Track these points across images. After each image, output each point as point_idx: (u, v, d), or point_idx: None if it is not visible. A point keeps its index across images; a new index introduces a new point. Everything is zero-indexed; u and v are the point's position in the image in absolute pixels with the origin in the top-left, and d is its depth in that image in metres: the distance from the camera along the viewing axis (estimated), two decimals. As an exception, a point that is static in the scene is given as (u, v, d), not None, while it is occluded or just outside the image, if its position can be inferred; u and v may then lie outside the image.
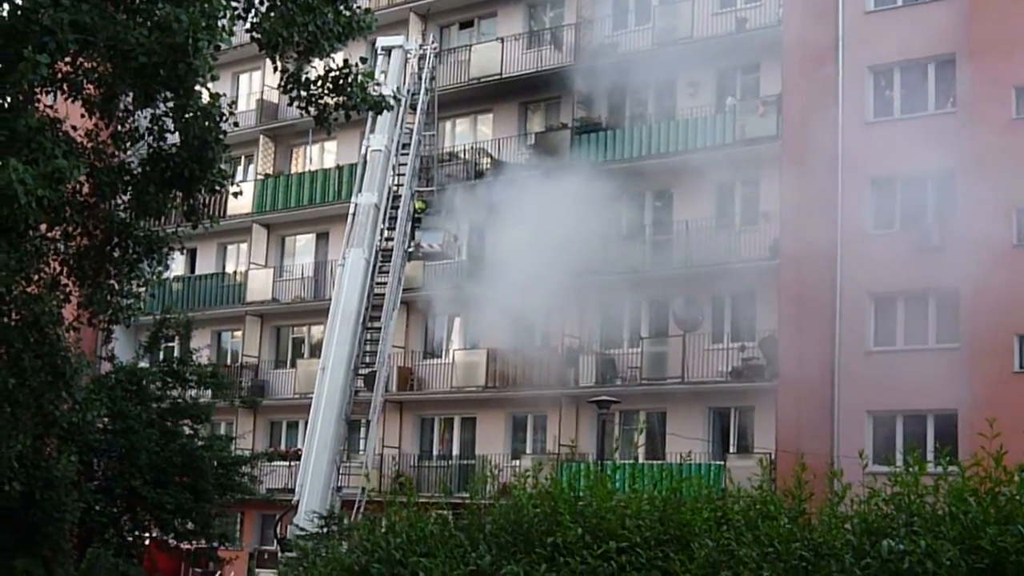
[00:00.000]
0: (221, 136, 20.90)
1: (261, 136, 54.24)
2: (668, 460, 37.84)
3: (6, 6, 18.31)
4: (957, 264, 37.33)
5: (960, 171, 38.09)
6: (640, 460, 33.73)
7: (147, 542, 35.32)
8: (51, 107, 21.31)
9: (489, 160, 47.19)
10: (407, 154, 39.13)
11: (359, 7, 21.29)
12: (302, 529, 31.16)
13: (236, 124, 22.06)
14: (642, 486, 12.55)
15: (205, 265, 56.28)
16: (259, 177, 54.21)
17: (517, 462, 41.89)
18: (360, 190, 37.71)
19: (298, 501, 33.54)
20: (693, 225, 42.07)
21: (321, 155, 54.19)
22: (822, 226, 39.56)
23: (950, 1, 39.56)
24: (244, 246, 55.08)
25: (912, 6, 40.56)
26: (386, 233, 38.05)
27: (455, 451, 47.44)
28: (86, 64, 20.57)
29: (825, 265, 39.52)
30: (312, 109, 21.63)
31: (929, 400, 37.67)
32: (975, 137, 37.70)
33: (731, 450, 40.86)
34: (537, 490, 12.70)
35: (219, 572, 41.01)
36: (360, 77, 21.48)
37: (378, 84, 22.70)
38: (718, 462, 38.66)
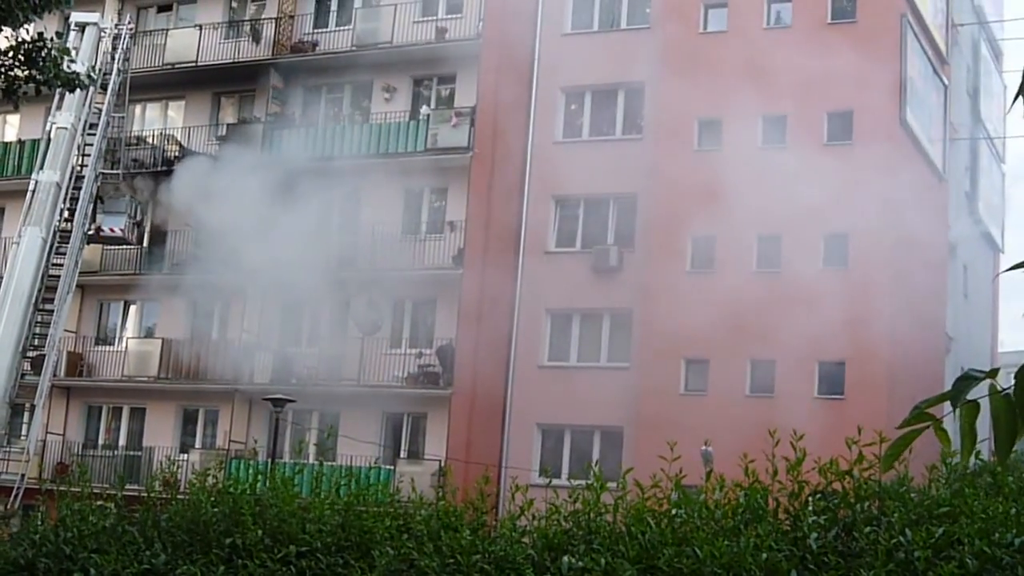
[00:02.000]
0: (-100, 102, 19.96)
1: (-62, 103, 51.97)
2: (340, 463, 37.75)
3: None
4: (632, 286, 38.48)
5: (641, 196, 39.24)
6: (315, 461, 33.73)
7: None
8: None
9: (178, 147, 46.30)
10: (94, 135, 38.19)
11: (57, -21, 20.62)
12: (-44, 514, 30.07)
13: (-83, 90, 21.08)
14: (324, 490, 12.49)
15: None
16: (-68, 146, 51.96)
17: (185, 456, 41.23)
18: (42, 167, 36.62)
19: (-47, 485, 32.36)
20: (379, 229, 42.13)
21: (2, 127, 52.21)
22: (505, 240, 40.21)
23: (643, 31, 40.75)
24: (-89, 217, 52.68)
25: (607, 32, 41.61)
26: (66, 214, 37.04)
27: (121, 441, 46.28)
28: None
29: (505, 278, 40.13)
30: (0, 80, 20.82)
31: (597, 416, 38.62)
32: (658, 164, 38.89)
33: (402, 455, 41.05)
34: (216, 489, 12.50)
35: None
36: (54, 52, 20.79)
37: (72, 61, 22.00)
38: (389, 467, 38.78)
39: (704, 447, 29.45)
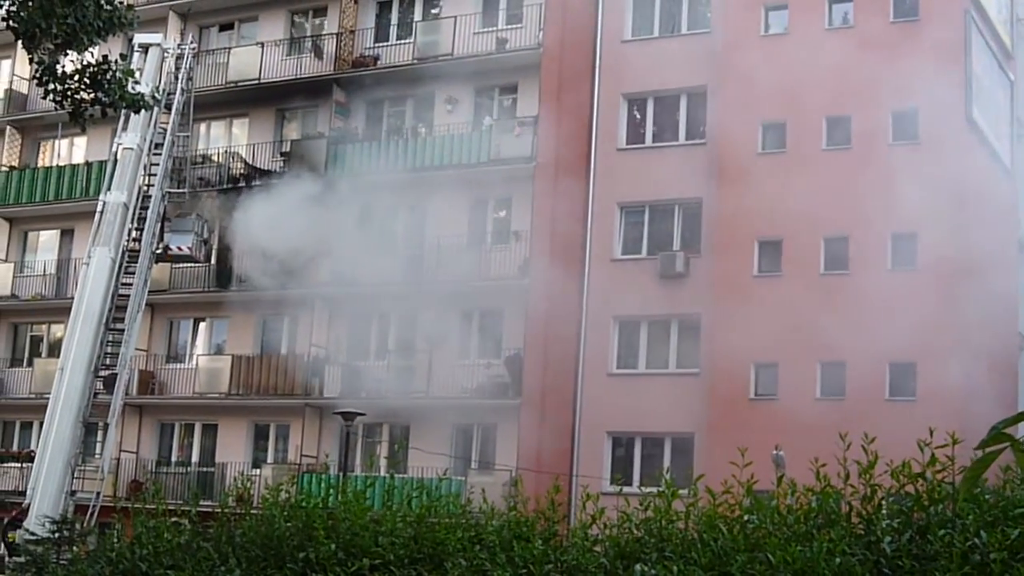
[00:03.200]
0: (-30, 126, 20.21)
1: (8, 127, 52.63)
2: (411, 474, 37.81)
3: None
4: (700, 292, 38.38)
5: (706, 201, 39.15)
6: (389, 474, 33.82)
7: None
8: None
9: (243, 165, 46.61)
10: (159, 154, 38.53)
11: (120, 2, 20.82)
12: (32, 533, 30.32)
13: (-14, 115, 21.37)
14: (395, 502, 12.51)
15: (-60, 257, 54.31)
16: (4, 169, 52.55)
17: (258, 471, 41.46)
18: (109, 188, 37.00)
19: (29, 504, 32.65)
20: (445, 241, 42.23)
21: (70, 150, 52.82)
22: (571, 249, 40.21)
23: (704, 35, 40.66)
24: (-17, 239, 53.34)
25: (668, 37, 41.54)
26: (134, 233, 37.38)
27: (195, 458, 46.63)
28: None
29: (573, 286, 40.11)
30: (67, 104, 21.02)
31: (667, 423, 38.51)
32: (721, 168, 38.78)
33: (473, 466, 41.09)
34: (290, 504, 12.55)
35: (-59, 576, 39.56)
36: (119, 74, 20.98)
37: (136, 82, 22.19)
38: (460, 478, 38.80)
39: (775, 452, 29.31)
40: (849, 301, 35.91)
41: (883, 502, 10.00)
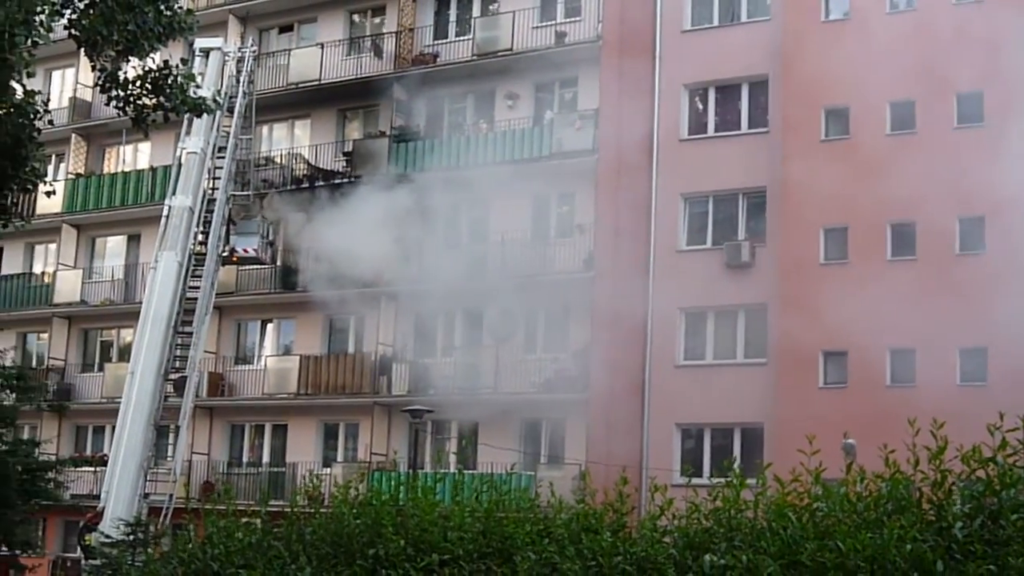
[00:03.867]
0: (35, 134, 20.36)
1: (73, 134, 53.15)
2: (480, 470, 37.87)
3: None
4: (766, 281, 38.20)
5: (770, 189, 38.96)
6: (458, 470, 33.95)
7: (-54, 549, 34.34)
8: None
9: (306, 166, 46.86)
10: (223, 157, 38.84)
11: (180, 8, 20.95)
12: (107, 536, 30.65)
13: (51, 122, 21.53)
14: (464, 497, 12.53)
15: (11, 265, 54.89)
16: (70, 176, 53.09)
17: (329, 470, 41.69)
18: (174, 192, 37.33)
19: (104, 507, 32.99)
20: (509, 236, 42.26)
21: (134, 155, 53.29)
22: (635, 240, 40.12)
23: (764, 23, 40.44)
24: (52, 246, 53.88)
25: (728, 27, 41.34)
26: (199, 237, 37.67)
27: (265, 458, 46.94)
28: None
29: (638, 279, 40.00)
30: (130, 110, 21.18)
31: (736, 414, 38.37)
32: (785, 156, 38.57)
33: (542, 461, 41.09)
34: (358, 501, 12.59)
35: (20, 580, 40.02)
36: (180, 79, 21.12)
37: (198, 86, 22.35)
38: (529, 472, 38.82)
39: (845, 440, 29.11)
40: (916, 286, 35.61)
41: (954, 488, 9.92)
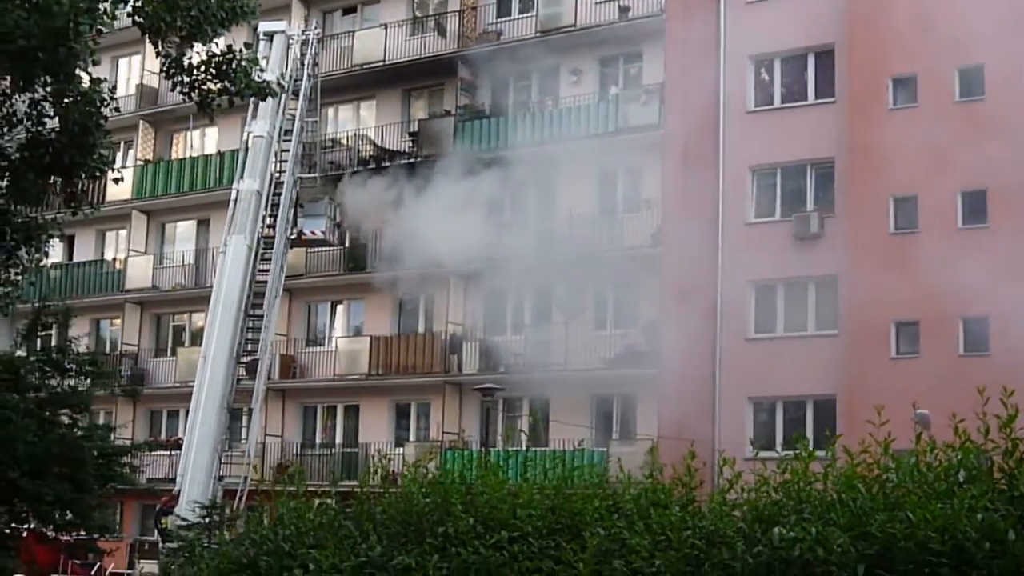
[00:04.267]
0: (102, 122, 20.53)
1: (141, 121, 53.58)
2: (552, 447, 37.89)
3: None
4: (835, 252, 37.93)
5: (839, 160, 38.65)
6: (526, 448, 33.91)
7: (25, 534, 34.67)
8: (-74, 91, 20.81)
9: (372, 147, 47.00)
10: (289, 140, 39.02)
11: (243, -8, 21.02)
12: (183, 519, 30.92)
13: (117, 110, 21.70)
14: (533, 474, 12.54)
15: (84, 252, 55.49)
16: (139, 163, 53.53)
17: (401, 449, 41.86)
18: (242, 176, 37.57)
19: (179, 491, 33.29)
20: (576, 212, 42.22)
21: (202, 141, 53.66)
22: (703, 214, 39.93)
23: (829, -7, 40.06)
24: (123, 233, 54.38)
25: (792, -3, 41.00)
26: (268, 220, 37.87)
27: (338, 439, 47.24)
28: (-38, 48, 20.08)
29: (707, 252, 39.83)
30: (195, 95, 21.30)
31: (808, 386, 38.14)
32: (853, 126, 38.25)
33: (614, 436, 41.08)
34: (427, 479, 12.63)
35: (99, 563, 40.47)
36: (244, 63, 21.21)
37: (261, 70, 22.45)
38: (601, 449, 38.80)
39: (917, 411, 28.86)
40: (989, 254, 35.21)
41: (1025, 456, 9.81)
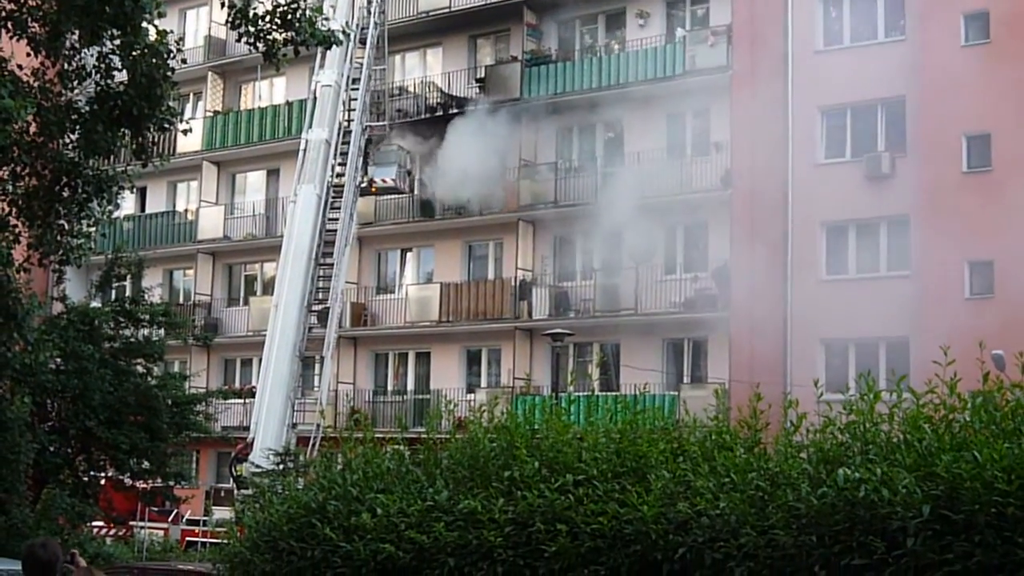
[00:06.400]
0: (169, 73, 20.61)
1: (209, 73, 53.78)
2: (623, 392, 37.90)
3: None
4: (907, 192, 37.58)
5: (910, 99, 38.22)
6: (595, 392, 33.98)
7: (103, 482, 35.20)
8: (-4, 46, 20.95)
9: (439, 94, 46.97)
10: (357, 89, 38.94)
11: (307, -60, 21.01)
12: (258, 466, 31.21)
13: (184, 61, 21.78)
14: (598, 418, 12.54)
15: (155, 203, 55.92)
16: (208, 114, 53.77)
17: (472, 396, 41.96)
18: (311, 126, 37.63)
19: (253, 438, 33.59)
20: (644, 156, 42.05)
21: (270, 91, 53.78)
22: (773, 156, 39.66)
23: (898, -72, 39.54)
24: (194, 184, 54.74)
25: (861, -68, 40.50)
26: (337, 169, 37.94)
27: (410, 386, 47.47)
28: (31, 2, 20.22)
29: (777, 195, 39.59)
30: (261, 45, 21.32)
31: (881, 328, 37.89)
32: (925, 64, 37.79)
33: (685, 380, 41.04)
34: (493, 424, 12.67)
35: (175, 510, 41.00)
36: (308, 12, 21.21)
37: (326, 19, 22.43)
38: (672, 392, 38.77)
39: (993, 352, 28.60)
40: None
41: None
